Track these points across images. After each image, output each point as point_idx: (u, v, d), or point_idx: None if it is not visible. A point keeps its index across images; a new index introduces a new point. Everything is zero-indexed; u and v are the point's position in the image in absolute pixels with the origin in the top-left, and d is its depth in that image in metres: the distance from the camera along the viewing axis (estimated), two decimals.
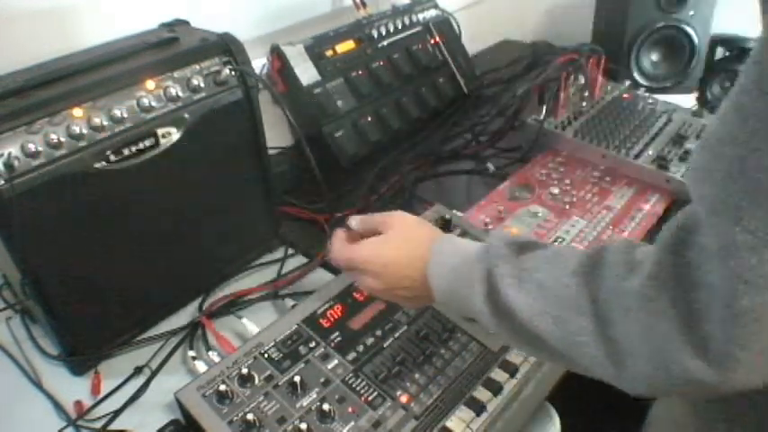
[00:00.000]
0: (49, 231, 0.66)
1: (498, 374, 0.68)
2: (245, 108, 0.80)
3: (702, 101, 1.40)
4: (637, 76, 1.39)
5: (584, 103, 1.18)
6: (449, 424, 0.63)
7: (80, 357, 0.74)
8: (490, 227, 0.93)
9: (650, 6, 1.34)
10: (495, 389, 0.66)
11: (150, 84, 0.71)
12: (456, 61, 1.32)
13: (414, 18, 1.29)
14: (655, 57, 1.40)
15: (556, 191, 1.01)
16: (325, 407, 0.62)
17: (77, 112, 0.65)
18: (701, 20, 1.34)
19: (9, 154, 0.61)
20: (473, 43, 1.48)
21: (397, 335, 0.72)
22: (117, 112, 0.68)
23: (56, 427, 0.68)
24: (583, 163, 1.09)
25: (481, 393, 0.66)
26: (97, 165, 0.67)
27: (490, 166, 1.11)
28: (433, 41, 1.30)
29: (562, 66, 1.13)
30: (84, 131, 0.65)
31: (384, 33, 1.22)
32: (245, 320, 0.79)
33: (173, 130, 0.72)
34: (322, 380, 0.66)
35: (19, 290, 0.74)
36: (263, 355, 0.69)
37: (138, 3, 0.92)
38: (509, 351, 0.70)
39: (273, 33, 1.14)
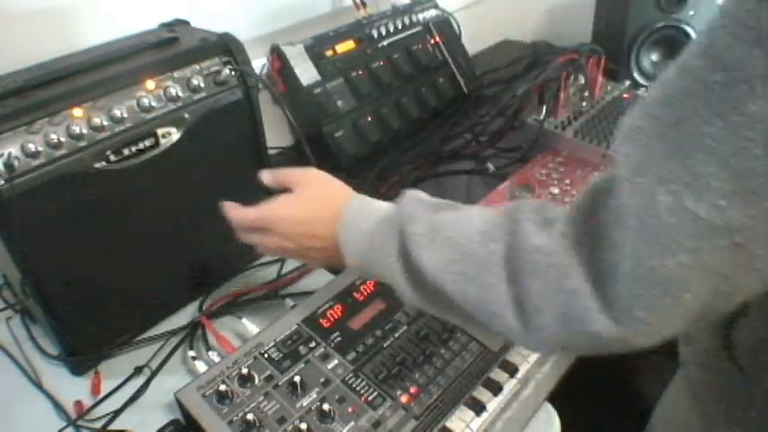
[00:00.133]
0: (49, 231, 0.66)
1: (498, 374, 0.68)
2: (245, 108, 0.80)
3: None
4: (637, 76, 1.38)
5: (584, 103, 1.18)
6: (449, 424, 0.63)
7: (80, 357, 0.74)
8: None
9: (650, 6, 1.34)
10: (495, 389, 0.66)
11: (150, 84, 0.71)
12: (456, 61, 1.32)
13: (414, 18, 1.28)
14: (655, 57, 1.40)
15: (556, 191, 1.01)
16: (326, 407, 0.62)
17: (77, 112, 0.65)
18: (701, 20, 1.34)
19: (9, 154, 0.61)
20: (473, 43, 1.48)
21: (397, 335, 0.72)
22: (117, 112, 0.68)
23: (56, 427, 0.68)
24: (583, 163, 1.08)
25: (481, 393, 0.66)
26: (97, 165, 0.67)
27: (490, 166, 1.10)
28: (433, 41, 1.30)
29: (562, 66, 1.13)
30: (84, 131, 0.65)
31: (384, 33, 1.22)
32: (244, 320, 0.79)
33: (173, 130, 0.72)
34: (322, 380, 0.66)
35: (19, 290, 0.74)
36: (263, 355, 0.69)
37: (138, 3, 0.92)
38: (509, 351, 0.70)
39: (273, 33, 1.14)
